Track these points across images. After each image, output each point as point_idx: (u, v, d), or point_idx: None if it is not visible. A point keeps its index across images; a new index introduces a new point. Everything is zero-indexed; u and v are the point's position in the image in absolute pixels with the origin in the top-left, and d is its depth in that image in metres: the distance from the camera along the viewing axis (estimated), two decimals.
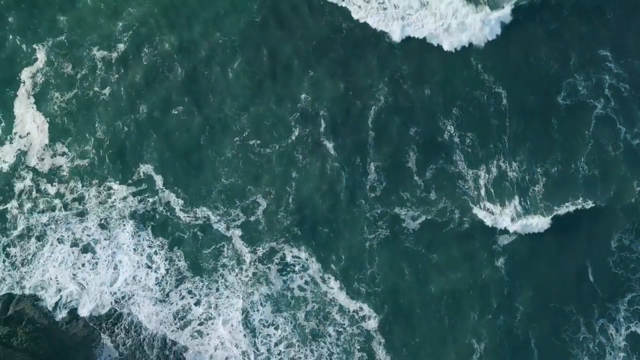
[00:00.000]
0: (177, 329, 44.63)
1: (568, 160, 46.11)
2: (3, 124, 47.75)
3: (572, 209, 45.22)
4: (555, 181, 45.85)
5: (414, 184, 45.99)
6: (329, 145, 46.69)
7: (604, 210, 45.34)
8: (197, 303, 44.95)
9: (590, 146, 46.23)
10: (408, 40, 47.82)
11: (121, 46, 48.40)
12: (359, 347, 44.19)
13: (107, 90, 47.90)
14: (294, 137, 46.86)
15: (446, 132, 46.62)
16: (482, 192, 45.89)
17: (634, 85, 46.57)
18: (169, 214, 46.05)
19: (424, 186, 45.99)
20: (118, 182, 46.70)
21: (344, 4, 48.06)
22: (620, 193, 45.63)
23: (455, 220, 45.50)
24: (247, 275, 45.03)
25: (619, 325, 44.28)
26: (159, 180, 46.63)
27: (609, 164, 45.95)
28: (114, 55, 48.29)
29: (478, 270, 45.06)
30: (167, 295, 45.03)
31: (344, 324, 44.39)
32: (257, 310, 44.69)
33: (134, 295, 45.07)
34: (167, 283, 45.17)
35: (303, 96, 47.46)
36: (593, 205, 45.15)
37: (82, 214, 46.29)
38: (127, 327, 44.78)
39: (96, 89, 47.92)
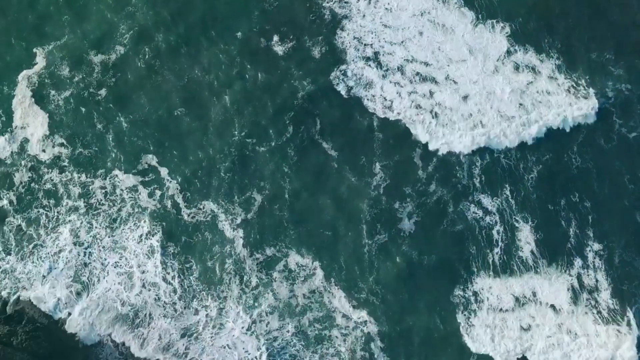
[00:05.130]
0: (184, 336, 44.73)
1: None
2: (3, 119, 47.83)
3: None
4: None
5: (415, 180, 46.75)
6: (326, 144, 47.32)
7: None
8: (205, 311, 45.05)
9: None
10: None
11: (120, 48, 48.83)
12: (359, 347, 44.49)
13: (106, 90, 48.32)
14: (288, 135, 47.41)
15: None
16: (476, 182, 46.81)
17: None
18: (174, 213, 46.36)
19: (425, 180, 46.73)
20: (123, 171, 46.94)
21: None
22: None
23: (449, 219, 46.17)
24: (252, 283, 45.28)
25: None
26: (163, 172, 46.96)
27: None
28: (112, 57, 48.70)
29: (475, 271, 45.67)
30: (175, 302, 45.11)
31: (347, 326, 44.70)
32: (263, 315, 44.97)
33: (144, 303, 45.16)
34: (173, 289, 45.22)
35: (300, 94, 48.15)
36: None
37: (88, 209, 46.43)
38: (126, 328, 44.52)
39: (93, 89, 48.31)
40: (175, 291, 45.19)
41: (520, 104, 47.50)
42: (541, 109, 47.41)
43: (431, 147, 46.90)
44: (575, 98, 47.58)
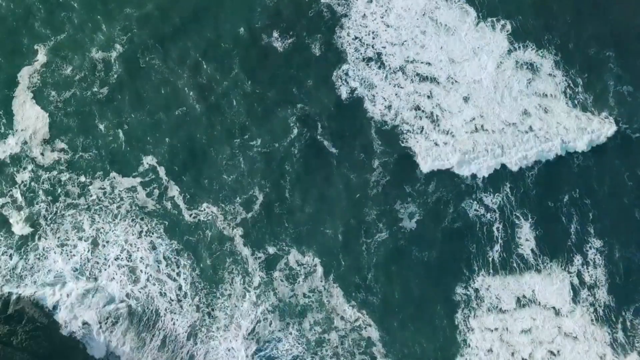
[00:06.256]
0: (189, 338, 44.69)
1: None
2: (4, 121, 47.70)
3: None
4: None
5: (415, 179, 46.81)
6: (327, 143, 47.39)
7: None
8: (207, 309, 45.12)
9: None
10: None
11: (120, 49, 48.81)
12: (360, 351, 44.49)
13: (107, 90, 48.23)
14: (289, 134, 47.45)
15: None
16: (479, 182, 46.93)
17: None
18: (175, 212, 46.32)
19: (425, 179, 46.82)
20: (122, 174, 46.92)
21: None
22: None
23: (449, 217, 46.27)
24: (254, 282, 45.30)
25: None
26: (162, 172, 46.90)
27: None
28: (112, 55, 48.63)
29: (476, 270, 45.77)
30: (179, 299, 45.18)
31: (346, 329, 44.75)
32: (265, 313, 45.04)
33: (149, 298, 45.19)
34: (178, 286, 45.34)
35: (302, 94, 48.30)
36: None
37: (89, 206, 46.39)
38: (126, 327, 44.60)
39: (95, 89, 48.22)
40: (180, 288, 45.17)
41: (524, 110, 47.61)
42: (543, 116, 47.57)
43: (426, 170, 46.93)
44: (590, 116, 47.58)
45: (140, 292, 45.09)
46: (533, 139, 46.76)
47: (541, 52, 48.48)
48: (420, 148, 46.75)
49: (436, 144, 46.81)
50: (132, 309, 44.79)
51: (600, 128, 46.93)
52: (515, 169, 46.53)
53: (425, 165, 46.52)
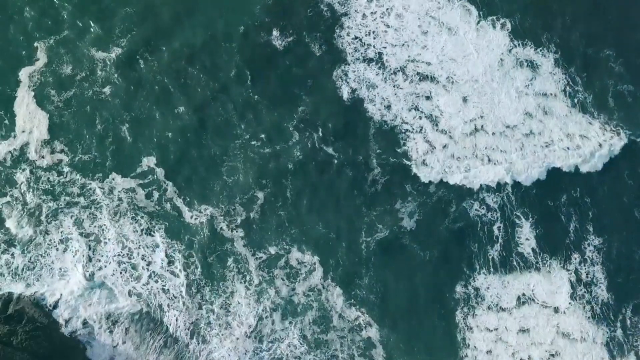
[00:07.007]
0: (189, 336, 44.68)
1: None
2: (6, 121, 47.50)
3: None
4: None
5: (415, 178, 46.84)
6: (327, 144, 47.42)
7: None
8: (210, 306, 45.11)
9: None
10: None
11: (119, 48, 48.70)
12: (359, 353, 44.50)
13: (107, 89, 48.08)
14: (289, 134, 47.45)
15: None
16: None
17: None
18: (175, 212, 46.23)
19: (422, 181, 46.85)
20: (121, 175, 46.77)
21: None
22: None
23: (450, 217, 46.30)
24: (254, 283, 45.30)
25: None
26: (160, 173, 46.79)
27: None
28: (114, 54, 48.59)
29: (478, 269, 45.84)
30: (182, 295, 45.16)
31: (346, 328, 44.78)
32: (267, 311, 45.02)
33: (152, 294, 45.13)
34: (181, 283, 45.30)
35: (301, 94, 48.31)
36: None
37: (89, 204, 46.29)
38: (128, 326, 44.54)
39: (95, 89, 48.11)
40: (181, 286, 45.14)
41: (524, 110, 47.67)
42: (544, 118, 47.65)
43: (424, 179, 46.92)
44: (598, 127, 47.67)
45: (142, 288, 45.01)
46: (535, 146, 46.81)
47: (541, 50, 48.63)
48: (419, 154, 46.77)
49: (435, 147, 46.81)
50: (134, 306, 44.71)
51: (604, 137, 47.00)
52: (519, 179, 46.58)
53: (424, 177, 46.63)
